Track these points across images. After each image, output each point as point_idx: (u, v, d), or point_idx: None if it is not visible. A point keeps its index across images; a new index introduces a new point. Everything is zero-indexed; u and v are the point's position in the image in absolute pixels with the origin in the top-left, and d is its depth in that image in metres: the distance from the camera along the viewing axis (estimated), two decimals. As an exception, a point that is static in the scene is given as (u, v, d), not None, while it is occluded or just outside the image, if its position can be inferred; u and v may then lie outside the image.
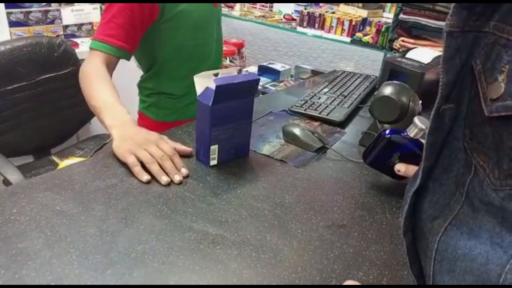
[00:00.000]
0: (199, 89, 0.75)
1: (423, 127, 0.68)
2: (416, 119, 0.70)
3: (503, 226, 0.32)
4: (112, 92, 0.86)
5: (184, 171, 0.73)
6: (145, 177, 0.70)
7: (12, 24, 1.75)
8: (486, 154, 0.34)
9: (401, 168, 0.71)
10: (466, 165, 0.36)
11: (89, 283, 0.50)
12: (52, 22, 1.88)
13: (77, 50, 1.60)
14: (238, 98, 0.75)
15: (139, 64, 1.14)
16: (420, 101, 0.90)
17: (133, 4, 0.91)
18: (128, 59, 0.98)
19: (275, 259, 0.57)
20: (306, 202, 0.70)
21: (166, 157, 0.73)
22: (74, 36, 1.96)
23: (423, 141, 0.74)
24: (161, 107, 1.16)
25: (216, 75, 0.81)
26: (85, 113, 1.65)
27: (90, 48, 0.93)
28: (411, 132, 0.70)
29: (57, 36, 1.86)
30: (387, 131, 0.74)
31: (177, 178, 0.71)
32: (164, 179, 0.70)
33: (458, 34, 0.35)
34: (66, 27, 1.93)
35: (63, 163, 1.49)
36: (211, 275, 0.53)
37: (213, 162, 0.78)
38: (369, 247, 0.61)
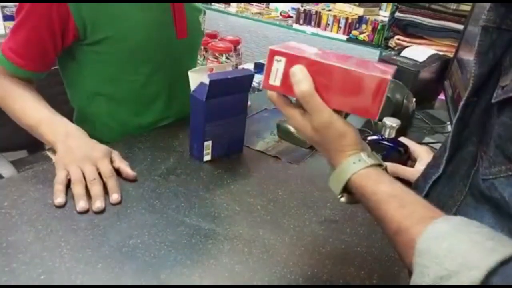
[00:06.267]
0: (193, 85, 0.75)
1: (393, 124, 0.73)
2: (385, 120, 0.74)
3: (497, 215, 0.33)
4: (41, 103, 0.77)
5: (116, 197, 0.63)
6: (58, 200, 0.61)
7: (6, 18, 1.74)
8: (486, 144, 0.34)
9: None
10: (473, 157, 0.37)
11: (79, 277, 0.50)
12: (47, 16, 1.87)
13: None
14: (232, 94, 0.75)
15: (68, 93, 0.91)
16: (414, 99, 0.91)
17: (42, 13, 0.72)
18: (39, 78, 0.83)
19: (267, 254, 0.57)
20: (299, 198, 0.70)
21: (97, 182, 0.64)
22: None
23: (405, 139, 0.76)
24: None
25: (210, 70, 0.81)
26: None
27: None
28: (385, 132, 0.74)
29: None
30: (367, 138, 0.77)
31: (96, 204, 0.61)
32: (80, 204, 0.60)
33: (494, 30, 0.35)
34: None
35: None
36: (203, 269, 0.53)
37: (207, 158, 0.78)
38: (360, 243, 0.61)
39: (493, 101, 0.33)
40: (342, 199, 0.44)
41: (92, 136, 0.73)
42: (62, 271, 0.50)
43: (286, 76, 0.45)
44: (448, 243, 0.29)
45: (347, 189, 0.42)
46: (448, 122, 1.09)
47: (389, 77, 0.40)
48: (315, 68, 0.43)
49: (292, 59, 0.44)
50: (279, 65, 0.45)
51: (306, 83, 0.41)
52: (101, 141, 0.73)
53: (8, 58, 0.77)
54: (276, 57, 0.45)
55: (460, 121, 0.39)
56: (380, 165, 0.41)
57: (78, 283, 0.49)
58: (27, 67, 0.78)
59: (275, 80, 0.46)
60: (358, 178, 0.40)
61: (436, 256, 0.29)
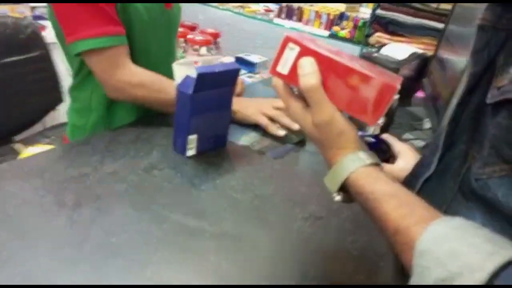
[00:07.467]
0: (178, 78, 0.73)
1: (378, 121, 0.73)
2: None
3: (488, 214, 0.33)
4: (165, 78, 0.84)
5: (296, 126, 0.81)
6: (281, 132, 0.85)
7: None
8: (479, 143, 0.35)
9: None
10: (464, 155, 0.37)
11: (59, 276, 0.47)
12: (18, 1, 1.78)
13: (43, 33, 1.52)
14: (218, 87, 0.73)
15: (69, 65, 0.92)
16: (397, 96, 0.92)
17: None
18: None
19: (254, 251, 0.56)
20: (284, 194, 0.70)
21: (283, 114, 0.86)
22: (41, 18, 1.87)
23: (388, 136, 0.77)
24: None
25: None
26: (52, 99, 1.58)
27: (90, 50, 0.77)
28: (370, 129, 0.75)
29: (24, 17, 1.76)
30: None
31: (295, 127, 0.83)
32: (280, 133, 0.85)
33: (489, 29, 0.36)
34: (33, 8, 1.84)
35: (27, 152, 1.42)
36: (189, 267, 0.52)
37: (191, 152, 0.76)
38: (346, 239, 0.62)
39: (488, 101, 0.33)
40: (337, 198, 0.44)
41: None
42: (42, 271, 0.48)
43: (295, 66, 0.43)
44: (449, 245, 0.29)
45: (343, 187, 0.41)
46: (426, 119, 1.11)
47: (398, 85, 0.39)
48: (326, 64, 0.42)
49: (306, 51, 0.42)
50: (291, 54, 0.43)
51: (313, 77, 0.40)
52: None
53: (110, 34, 0.77)
54: (290, 45, 0.43)
55: (453, 120, 0.40)
56: (377, 164, 0.41)
57: (57, 283, 0.47)
58: (122, 32, 0.80)
59: (283, 68, 0.44)
60: (356, 176, 0.39)
61: (437, 258, 0.29)
